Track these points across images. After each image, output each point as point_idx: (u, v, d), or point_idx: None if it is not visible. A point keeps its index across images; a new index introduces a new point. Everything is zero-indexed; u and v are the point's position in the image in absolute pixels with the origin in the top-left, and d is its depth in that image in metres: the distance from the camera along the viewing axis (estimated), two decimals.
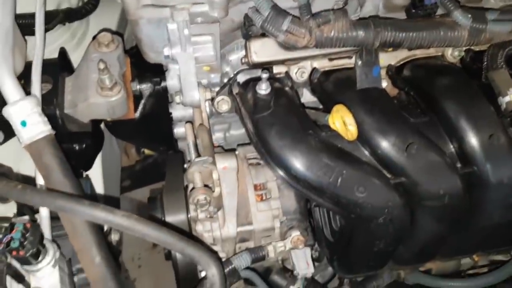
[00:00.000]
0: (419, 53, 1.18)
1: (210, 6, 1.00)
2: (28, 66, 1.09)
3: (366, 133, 0.99)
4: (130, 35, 1.61)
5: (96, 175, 1.35)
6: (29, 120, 0.88)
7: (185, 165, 1.28)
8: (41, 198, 0.76)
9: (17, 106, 0.89)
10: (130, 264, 2.32)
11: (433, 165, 0.99)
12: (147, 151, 2.17)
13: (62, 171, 0.88)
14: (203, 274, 1.17)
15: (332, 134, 1.02)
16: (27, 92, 0.97)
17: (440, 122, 1.06)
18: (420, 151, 0.97)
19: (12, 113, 0.89)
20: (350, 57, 1.15)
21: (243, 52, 1.17)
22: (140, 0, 0.98)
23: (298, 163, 0.99)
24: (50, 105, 1.05)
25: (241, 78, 1.20)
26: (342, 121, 0.96)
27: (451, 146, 1.04)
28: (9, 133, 1.06)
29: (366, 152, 1.01)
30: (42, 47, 1.05)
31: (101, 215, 0.77)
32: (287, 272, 1.29)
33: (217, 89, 1.20)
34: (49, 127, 0.91)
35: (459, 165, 1.03)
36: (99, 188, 1.37)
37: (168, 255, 1.21)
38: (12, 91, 0.91)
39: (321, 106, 1.22)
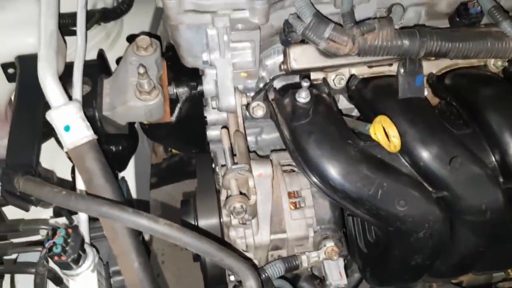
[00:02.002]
0: (461, 62, 1.15)
1: (251, 12, 0.99)
2: (67, 66, 1.10)
3: (408, 144, 0.97)
4: (161, 34, 1.62)
5: (129, 174, 1.37)
6: (73, 124, 0.89)
7: (213, 165, 1.28)
8: (86, 205, 0.77)
9: (60, 110, 0.90)
10: (154, 260, 2.34)
11: (477, 180, 0.96)
12: (174, 150, 2.19)
13: (104, 175, 0.88)
14: (231, 278, 1.17)
15: (372, 144, 1.00)
16: (67, 92, 0.98)
17: (482, 134, 1.03)
18: (464, 165, 0.95)
19: (55, 118, 0.90)
20: (390, 65, 1.13)
21: (279, 57, 1.16)
22: (182, 6, 0.97)
23: (336, 173, 0.97)
24: (89, 107, 1.05)
25: (277, 84, 1.19)
26: (384, 133, 0.94)
27: (493, 159, 1.02)
28: (47, 135, 1.07)
29: (407, 164, 0.99)
30: (84, 49, 1.06)
31: (145, 223, 0.77)
32: (316, 279, 1.28)
33: (252, 94, 1.19)
34: (91, 131, 0.91)
35: (501, 179, 1.00)
36: (132, 187, 1.39)
37: (197, 257, 1.22)
38: (56, 95, 0.92)
39: (355, 111, 1.21)
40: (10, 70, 1.12)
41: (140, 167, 1.45)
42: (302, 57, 1.07)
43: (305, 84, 0.99)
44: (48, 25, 0.98)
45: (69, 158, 0.96)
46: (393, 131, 0.93)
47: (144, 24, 1.59)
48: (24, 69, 1.06)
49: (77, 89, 0.99)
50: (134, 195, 1.41)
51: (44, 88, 0.93)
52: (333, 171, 0.97)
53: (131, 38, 1.42)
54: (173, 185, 2.31)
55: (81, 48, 1.05)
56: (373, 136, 0.96)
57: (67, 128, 0.88)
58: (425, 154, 0.96)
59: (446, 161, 0.95)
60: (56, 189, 0.78)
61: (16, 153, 0.95)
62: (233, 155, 1.12)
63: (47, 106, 0.95)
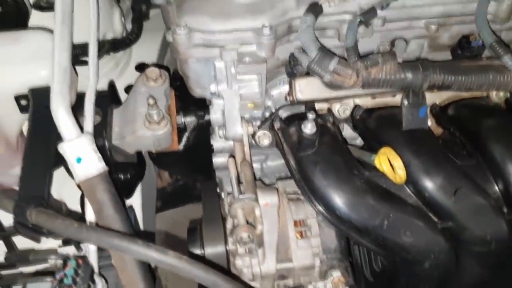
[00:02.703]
0: (464, 93, 1.17)
1: (258, 46, 1.02)
2: (78, 96, 1.12)
3: (413, 175, 0.98)
4: (168, 62, 1.66)
5: (135, 201, 1.38)
6: (84, 157, 0.91)
7: (218, 190, 1.29)
8: (97, 237, 0.78)
9: (73, 143, 0.92)
10: (158, 285, 2.33)
11: (481, 211, 0.97)
12: None
13: (114, 206, 0.90)
14: None
15: (377, 174, 1.02)
16: (79, 123, 1.00)
17: (486, 164, 1.04)
18: (468, 196, 0.96)
19: (67, 150, 0.92)
20: (393, 95, 1.15)
21: (285, 87, 1.19)
22: (191, 41, 1.01)
23: (342, 204, 0.98)
24: (100, 137, 1.07)
25: (282, 113, 1.21)
26: (389, 164, 0.96)
27: (497, 190, 1.03)
28: (57, 163, 1.08)
29: (412, 194, 1.01)
30: (96, 82, 1.08)
31: (154, 255, 0.78)
32: None
33: (258, 122, 1.22)
34: (103, 163, 0.93)
35: (505, 209, 1.01)
36: (138, 213, 1.40)
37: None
38: (69, 128, 0.94)
39: (360, 139, 1.23)
40: (23, 102, 1.15)
41: (147, 193, 1.47)
42: (307, 88, 1.10)
43: (311, 116, 1.01)
44: (61, 58, 1.01)
45: (79, 187, 0.98)
46: (398, 163, 0.95)
47: (152, 53, 1.63)
48: (37, 101, 1.09)
49: (89, 121, 1.01)
50: (140, 221, 1.42)
51: (56, 121, 0.95)
52: (339, 201, 0.98)
53: (139, 67, 1.45)
54: (178, 209, 2.31)
55: (93, 81, 1.08)
56: (378, 167, 0.98)
57: (78, 160, 0.90)
58: (429, 185, 0.97)
59: (450, 191, 0.96)
60: (68, 222, 0.80)
61: (28, 185, 0.97)
62: (239, 183, 1.13)
63: (59, 137, 0.97)
